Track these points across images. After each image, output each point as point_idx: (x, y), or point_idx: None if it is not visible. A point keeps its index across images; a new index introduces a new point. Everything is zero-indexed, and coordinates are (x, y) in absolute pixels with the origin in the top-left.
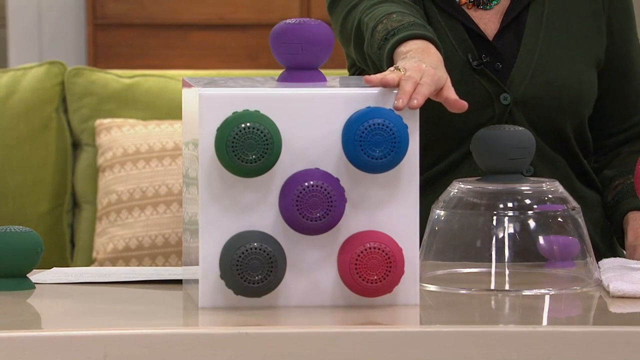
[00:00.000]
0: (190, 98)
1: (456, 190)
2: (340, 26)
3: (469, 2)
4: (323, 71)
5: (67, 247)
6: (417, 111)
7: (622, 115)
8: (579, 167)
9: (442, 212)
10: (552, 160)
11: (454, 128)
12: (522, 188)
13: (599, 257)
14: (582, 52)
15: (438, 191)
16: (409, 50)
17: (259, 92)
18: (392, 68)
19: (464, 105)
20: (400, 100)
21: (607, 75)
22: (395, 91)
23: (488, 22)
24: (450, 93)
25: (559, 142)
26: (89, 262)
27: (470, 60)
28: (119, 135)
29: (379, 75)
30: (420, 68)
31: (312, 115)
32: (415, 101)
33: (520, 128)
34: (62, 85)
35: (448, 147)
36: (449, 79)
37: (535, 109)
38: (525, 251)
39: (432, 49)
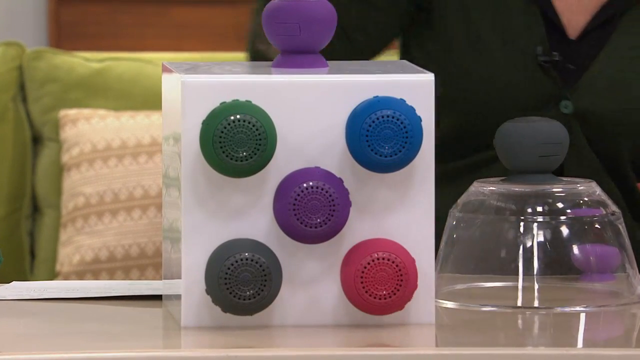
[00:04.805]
0: (170, 86)
1: (477, 192)
2: None
3: None
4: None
5: (26, 259)
6: (432, 102)
7: None
8: (630, 195)
9: (462, 218)
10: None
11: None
12: (554, 190)
13: None
14: None
15: (456, 191)
16: None
17: (251, 80)
18: None
19: None
20: None
21: None
22: (408, 78)
23: (576, 13)
24: None
25: (611, 165)
26: (52, 275)
27: (538, 53)
28: (86, 128)
29: None
30: None
31: (312, 107)
32: None
33: (552, 120)
34: (20, 70)
35: (480, 143)
36: None
37: (596, 125)
38: (557, 262)
39: None
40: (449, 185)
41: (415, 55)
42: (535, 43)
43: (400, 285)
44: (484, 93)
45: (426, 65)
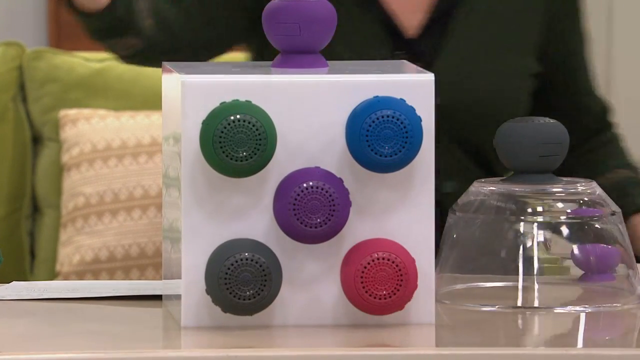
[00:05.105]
0: (170, 86)
1: (477, 192)
2: None
3: None
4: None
5: (26, 259)
6: (432, 101)
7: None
8: None
9: (461, 218)
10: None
11: None
12: (554, 189)
13: None
14: (514, 62)
15: None
16: None
17: (251, 80)
18: None
19: None
20: None
21: (550, 89)
22: (408, 78)
23: (412, 12)
24: None
25: (481, 160)
26: (52, 275)
27: (381, 57)
28: (86, 128)
29: None
30: None
31: (312, 106)
32: None
33: (552, 120)
34: (20, 70)
35: None
36: None
37: (453, 120)
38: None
39: None
40: None
41: None
42: (377, 47)
43: (400, 285)
44: None
45: None
